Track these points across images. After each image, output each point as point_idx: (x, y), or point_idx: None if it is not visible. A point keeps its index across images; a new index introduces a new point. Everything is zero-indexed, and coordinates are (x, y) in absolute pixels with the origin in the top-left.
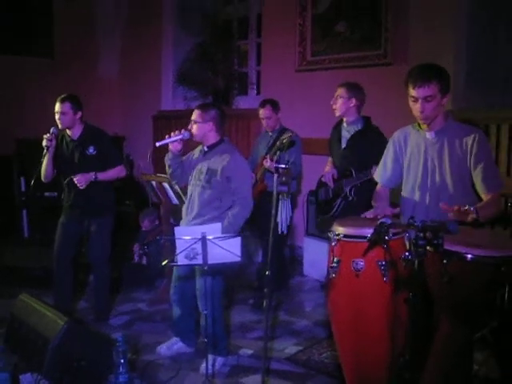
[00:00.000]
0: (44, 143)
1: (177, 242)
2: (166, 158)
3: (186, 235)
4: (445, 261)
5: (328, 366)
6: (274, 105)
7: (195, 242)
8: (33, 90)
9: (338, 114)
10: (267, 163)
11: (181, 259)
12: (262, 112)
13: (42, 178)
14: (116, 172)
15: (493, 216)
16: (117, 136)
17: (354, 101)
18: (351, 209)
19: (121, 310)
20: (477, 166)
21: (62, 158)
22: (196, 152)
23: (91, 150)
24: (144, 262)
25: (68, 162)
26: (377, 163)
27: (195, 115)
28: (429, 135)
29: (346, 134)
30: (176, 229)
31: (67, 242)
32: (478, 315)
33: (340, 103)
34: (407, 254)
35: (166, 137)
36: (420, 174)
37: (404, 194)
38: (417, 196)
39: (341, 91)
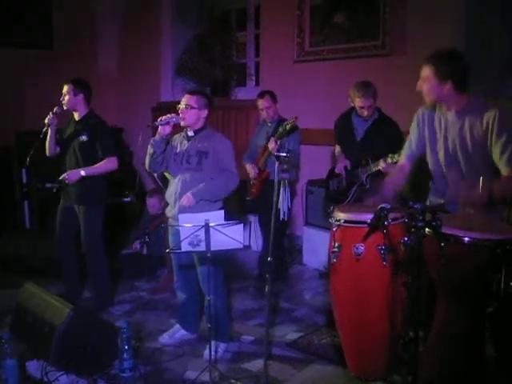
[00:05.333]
0: (46, 120)
1: (180, 229)
2: (151, 142)
3: (189, 222)
4: (442, 244)
5: (328, 352)
6: (273, 95)
7: (198, 229)
8: (32, 82)
9: (368, 117)
10: (272, 145)
11: (184, 246)
12: (261, 103)
13: (46, 153)
14: (106, 165)
15: (510, 193)
16: (116, 127)
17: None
18: (365, 196)
19: (123, 299)
20: (497, 142)
21: (63, 139)
22: (176, 139)
23: (84, 136)
24: (145, 251)
25: (66, 144)
26: (392, 152)
27: (191, 100)
28: (450, 115)
29: (361, 126)
30: (180, 216)
31: (65, 227)
32: (475, 298)
33: (371, 110)
34: (406, 238)
35: (158, 120)
36: (443, 154)
37: (432, 170)
38: (444, 173)
39: (371, 100)
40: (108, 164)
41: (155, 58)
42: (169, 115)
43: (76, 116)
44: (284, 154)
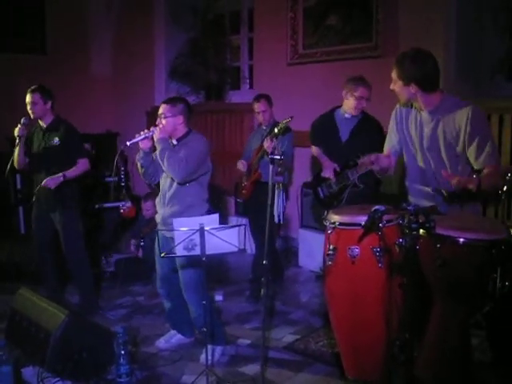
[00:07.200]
0: (16, 133)
1: (175, 233)
2: (137, 158)
3: (183, 226)
4: (438, 245)
5: (325, 354)
6: (269, 99)
7: (193, 233)
8: (25, 87)
9: (356, 113)
10: (267, 143)
11: (179, 250)
12: (257, 106)
13: (16, 166)
14: (81, 167)
15: (495, 186)
16: (110, 132)
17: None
18: (360, 197)
19: (119, 303)
20: (472, 141)
21: (31, 148)
22: None
23: (55, 140)
24: (140, 254)
25: (35, 151)
26: (379, 151)
27: (164, 110)
28: (423, 114)
29: (346, 126)
30: (174, 220)
31: (43, 235)
32: (472, 298)
33: (364, 104)
34: (401, 240)
35: (136, 136)
36: (419, 150)
37: (408, 166)
38: (419, 170)
39: (365, 92)
40: (82, 166)
41: (149, 61)
42: (144, 131)
43: (41, 123)
44: (278, 157)
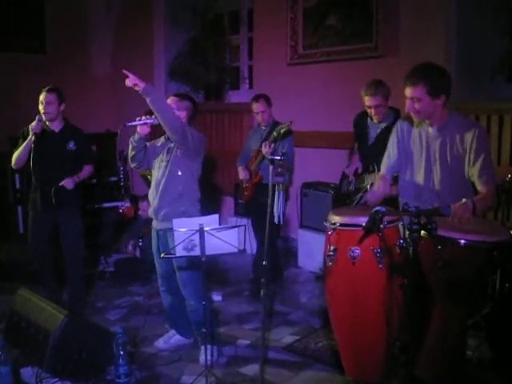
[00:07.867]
0: (32, 128)
1: (175, 233)
2: (130, 139)
3: (183, 227)
4: (439, 247)
5: (324, 355)
6: (268, 99)
7: (193, 234)
8: (25, 86)
9: (379, 120)
10: (265, 149)
11: (179, 251)
12: (256, 106)
13: (13, 164)
14: (89, 171)
15: (488, 209)
16: (110, 132)
17: (387, 102)
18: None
19: (118, 304)
20: (475, 161)
21: (38, 149)
22: (161, 140)
23: (71, 145)
24: (138, 254)
25: (45, 154)
26: None
27: (171, 101)
28: (431, 130)
29: (374, 130)
30: (174, 221)
31: (42, 234)
32: (472, 299)
33: (379, 111)
34: (401, 241)
35: (137, 119)
36: (423, 167)
37: (404, 183)
38: (418, 186)
39: (379, 100)
40: (90, 170)
41: (148, 61)
42: (144, 117)
43: (51, 127)
44: (278, 158)
